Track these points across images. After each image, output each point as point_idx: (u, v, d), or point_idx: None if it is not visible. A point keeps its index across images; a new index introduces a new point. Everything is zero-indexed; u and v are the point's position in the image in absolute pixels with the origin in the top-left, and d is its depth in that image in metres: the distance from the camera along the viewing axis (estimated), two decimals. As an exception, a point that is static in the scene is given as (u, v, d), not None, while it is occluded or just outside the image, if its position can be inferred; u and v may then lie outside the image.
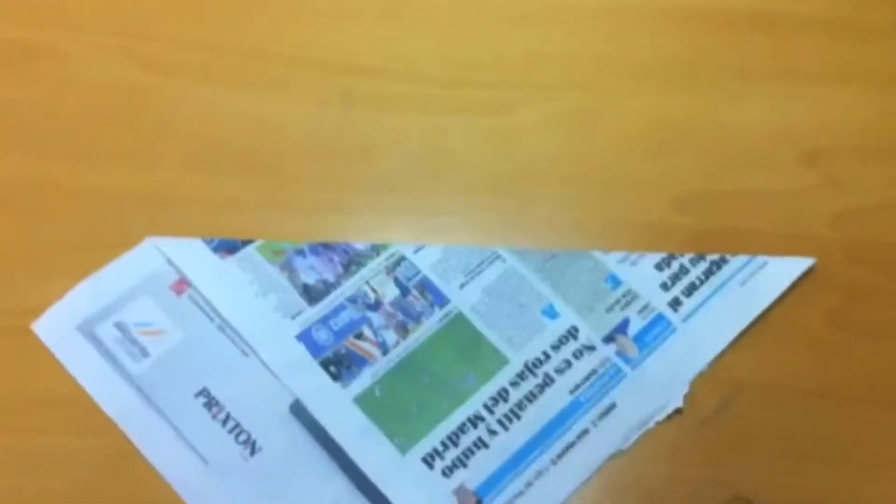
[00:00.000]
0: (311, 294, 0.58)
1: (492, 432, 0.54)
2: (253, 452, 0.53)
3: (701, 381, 0.56)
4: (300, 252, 0.59)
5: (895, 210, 0.62)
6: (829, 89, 0.67)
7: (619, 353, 0.56)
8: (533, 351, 0.56)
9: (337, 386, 0.55)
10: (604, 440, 0.54)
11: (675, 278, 0.59)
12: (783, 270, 0.59)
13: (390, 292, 0.58)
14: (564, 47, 0.68)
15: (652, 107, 0.66)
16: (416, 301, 0.58)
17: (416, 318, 0.57)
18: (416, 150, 0.64)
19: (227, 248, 0.59)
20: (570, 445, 0.54)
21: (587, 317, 0.58)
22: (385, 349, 0.56)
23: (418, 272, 0.59)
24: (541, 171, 0.63)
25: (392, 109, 0.65)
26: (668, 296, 0.58)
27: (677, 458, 0.54)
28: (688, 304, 0.58)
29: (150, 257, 0.59)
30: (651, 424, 0.54)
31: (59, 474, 0.53)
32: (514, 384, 0.55)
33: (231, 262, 0.59)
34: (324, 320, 0.57)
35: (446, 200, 0.62)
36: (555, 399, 0.55)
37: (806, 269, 0.59)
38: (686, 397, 0.55)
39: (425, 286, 0.58)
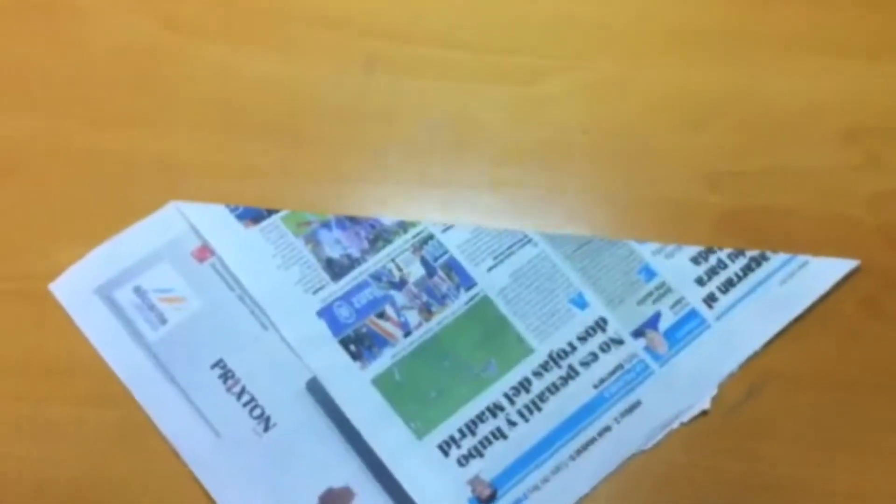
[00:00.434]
0: (335, 269, 0.56)
1: (511, 423, 0.53)
2: (266, 428, 0.52)
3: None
4: (326, 224, 0.58)
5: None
6: (871, 64, 0.63)
7: (648, 349, 0.54)
8: (559, 341, 0.55)
9: (356, 366, 0.54)
10: (626, 438, 0.52)
11: (712, 273, 0.56)
12: (825, 271, 0.56)
13: (416, 271, 0.56)
14: (597, 14, 0.65)
15: (686, 78, 0.63)
16: (442, 282, 0.56)
17: (441, 300, 0.55)
18: (440, 118, 0.62)
19: (252, 216, 0.58)
20: (591, 441, 0.52)
21: (617, 308, 0.55)
22: (407, 330, 0.55)
23: (446, 252, 0.57)
24: (569, 143, 0.61)
25: (416, 75, 0.63)
26: (704, 291, 0.56)
27: (701, 446, 0.52)
28: (723, 300, 0.56)
29: (172, 222, 0.58)
30: (675, 425, 0.53)
31: (70, 444, 0.52)
32: (537, 374, 0.54)
33: (255, 231, 0.57)
34: (346, 297, 0.55)
35: (471, 173, 0.60)
36: (578, 393, 0.53)
37: (849, 271, 0.56)
38: (713, 399, 0.53)
39: (452, 267, 0.56)
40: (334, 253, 0.57)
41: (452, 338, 0.55)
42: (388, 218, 0.58)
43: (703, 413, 0.53)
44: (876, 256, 0.57)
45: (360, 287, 0.56)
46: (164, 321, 0.55)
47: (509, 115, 0.62)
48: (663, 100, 0.62)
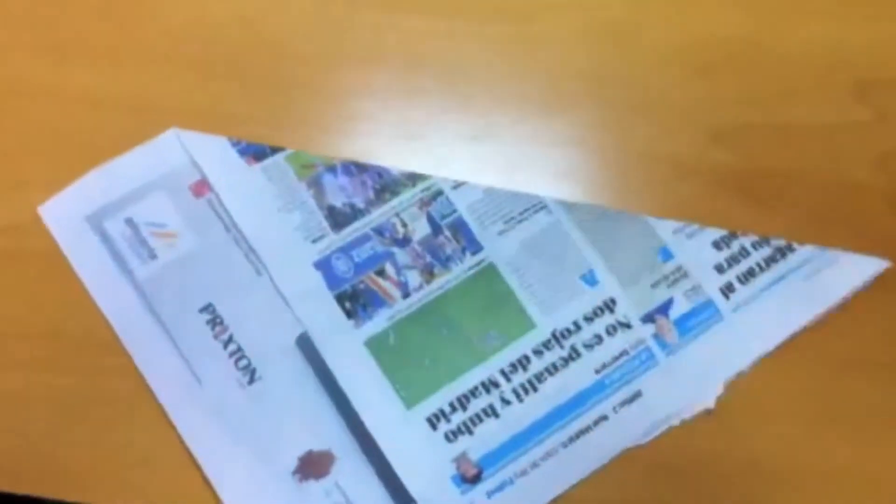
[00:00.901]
0: (337, 218, 0.53)
1: (505, 401, 0.50)
2: (251, 381, 0.50)
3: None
4: (331, 169, 0.54)
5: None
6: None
7: (656, 336, 0.52)
8: (563, 319, 0.52)
9: (350, 324, 0.51)
10: (622, 430, 0.50)
11: (733, 261, 0.53)
12: (853, 270, 0.53)
13: (421, 229, 0.53)
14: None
15: (695, 22, 0.58)
16: (448, 243, 0.53)
17: (445, 263, 0.53)
18: (421, 59, 0.57)
19: (254, 152, 0.55)
20: (586, 430, 0.50)
21: (629, 289, 0.53)
22: (406, 292, 0.52)
23: (454, 211, 0.54)
24: (564, 91, 0.57)
25: (400, 9, 0.58)
26: (722, 280, 0.53)
27: (696, 432, 0.50)
28: (742, 291, 0.53)
29: (171, 151, 0.55)
30: (676, 422, 0.50)
31: (33, 411, 0.50)
32: (537, 353, 0.51)
33: (256, 169, 0.54)
34: (346, 249, 0.53)
35: (457, 123, 0.56)
36: (578, 376, 0.51)
37: (878, 272, 0.52)
38: (718, 399, 0.50)
39: (459, 228, 0.53)
40: (337, 201, 0.54)
41: (453, 304, 0.52)
42: (398, 168, 0.54)
43: (707, 412, 0.50)
44: (882, 221, 0.54)
45: (360, 240, 0.53)
46: (154, 257, 0.52)
47: (495, 58, 0.57)
48: (670, 46, 0.57)
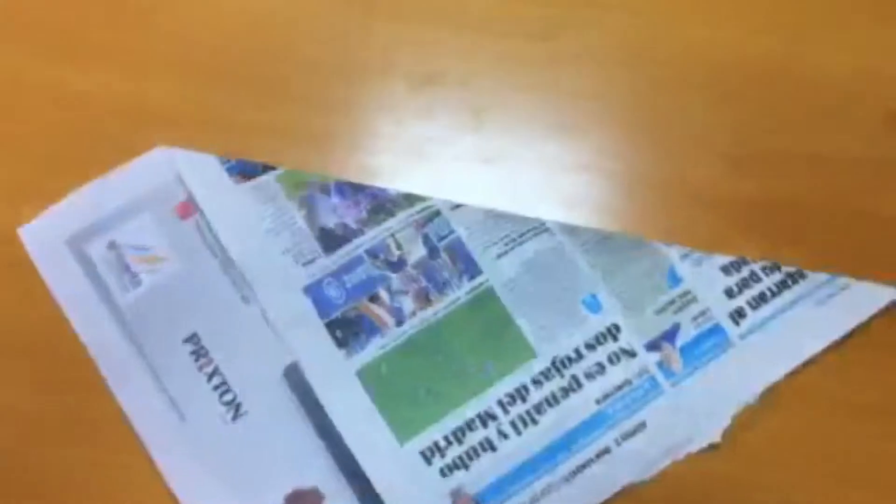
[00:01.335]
0: (328, 240, 0.51)
1: (502, 434, 0.48)
2: (236, 416, 0.48)
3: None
4: (324, 189, 0.52)
5: None
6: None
7: (661, 365, 0.49)
8: (564, 347, 0.50)
9: (340, 354, 0.49)
10: (625, 464, 0.48)
11: (744, 285, 0.51)
12: (867, 297, 0.50)
13: (416, 251, 0.51)
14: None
15: (717, 43, 0.55)
16: (444, 266, 0.51)
17: (441, 288, 0.50)
18: (436, 74, 0.55)
19: (244, 171, 0.52)
20: (587, 464, 0.48)
21: (633, 316, 0.50)
22: (400, 319, 0.50)
23: (452, 232, 0.51)
24: (580, 112, 0.54)
25: (417, 20, 0.55)
26: (732, 304, 0.50)
27: (700, 469, 0.48)
28: (752, 317, 0.50)
29: (157, 169, 0.53)
30: (680, 456, 0.48)
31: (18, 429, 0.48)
32: (536, 383, 0.49)
33: (245, 188, 0.52)
34: (337, 274, 0.50)
35: (471, 143, 0.54)
36: (579, 407, 0.49)
37: (892, 300, 0.50)
38: (726, 433, 0.48)
39: (457, 250, 0.51)
40: (329, 222, 0.51)
41: (449, 332, 0.50)
42: (395, 189, 0.52)
43: (712, 447, 0.48)
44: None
45: (353, 263, 0.51)
46: (137, 284, 0.50)
47: (518, 75, 0.55)
48: (690, 68, 0.54)
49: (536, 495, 0.48)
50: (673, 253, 0.51)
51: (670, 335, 0.50)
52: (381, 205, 0.52)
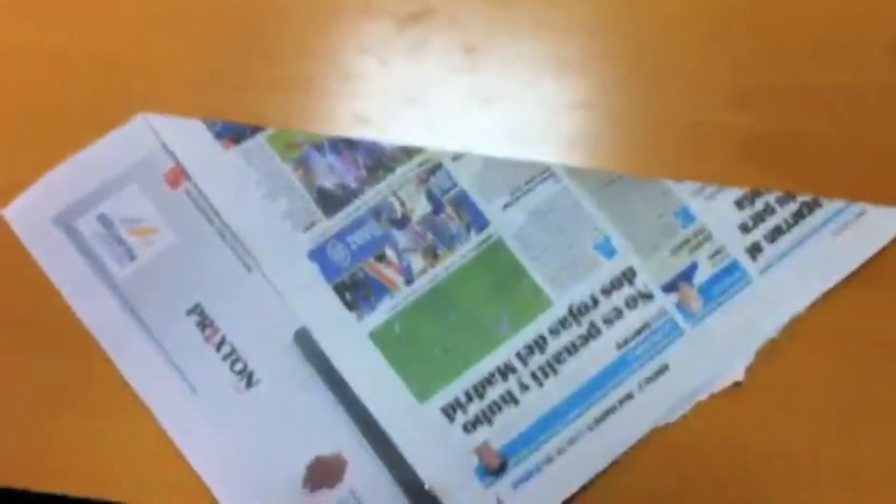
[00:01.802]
0: (328, 202, 0.49)
1: (523, 387, 0.47)
2: (249, 385, 0.46)
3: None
4: (318, 148, 0.50)
5: None
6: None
7: (680, 306, 0.48)
8: (580, 294, 0.48)
9: (351, 317, 0.47)
10: (649, 409, 0.47)
11: (758, 219, 0.49)
12: (885, 222, 0.49)
13: (421, 207, 0.49)
14: None
15: None
16: (450, 220, 0.49)
17: (449, 243, 0.49)
18: (425, 11, 0.52)
19: (232, 134, 0.50)
20: (611, 411, 0.47)
21: (648, 257, 0.49)
22: (409, 277, 0.48)
23: (455, 185, 0.50)
24: (577, 50, 0.52)
25: None
26: (748, 240, 0.49)
27: (722, 415, 0.47)
28: (769, 251, 0.49)
29: (141, 138, 0.50)
30: (704, 396, 0.47)
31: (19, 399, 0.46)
32: (553, 332, 0.48)
33: (236, 152, 0.50)
34: (341, 235, 0.49)
35: (461, 88, 0.52)
36: (599, 354, 0.48)
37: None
38: (749, 371, 0.47)
39: (462, 203, 0.49)
40: (327, 182, 0.49)
41: (461, 287, 0.48)
42: (391, 142, 0.50)
43: (736, 385, 0.47)
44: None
45: (356, 224, 0.49)
46: (132, 257, 0.48)
47: (512, 11, 0.53)
48: (689, 2, 0.53)
49: (563, 446, 0.47)
50: (684, 190, 0.50)
51: (687, 275, 0.49)
52: (380, 161, 0.50)
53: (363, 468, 0.45)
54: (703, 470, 0.46)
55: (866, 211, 0.49)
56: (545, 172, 0.50)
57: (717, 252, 0.49)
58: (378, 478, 0.45)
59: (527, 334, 0.48)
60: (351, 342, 0.47)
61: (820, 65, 0.52)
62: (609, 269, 0.49)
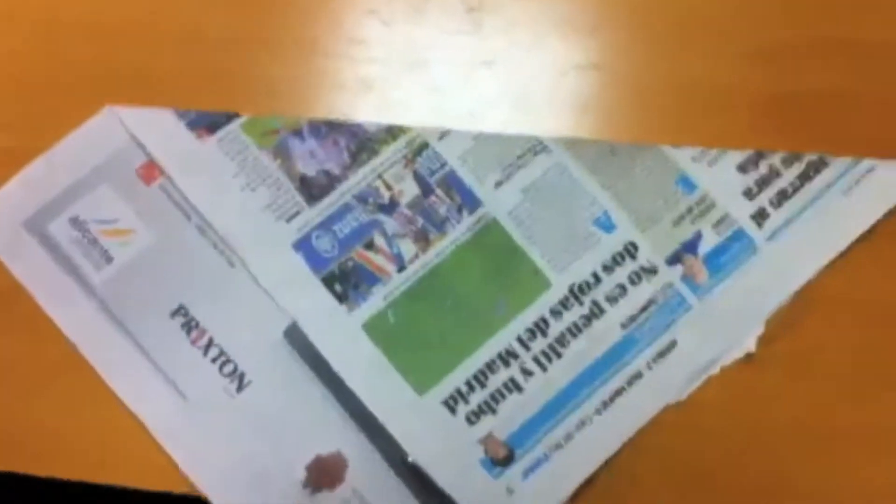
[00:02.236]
0: (311, 189, 0.47)
1: (526, 373, 0.45)
2: (240, 387, 0.44)
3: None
4: (297, 133, 0.47)
5: None
6: None
7: (686, 278, 0.46)
8: (580, 272, 0.46)
9: (342, 309, 0.45)
10: (659, 387, 0.45)
11: (763, 183, 0.47)
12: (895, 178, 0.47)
13: (409, 190, 0.47)
14: None
15: None
16: (441, 202, 0.47)
17: (440, 226, 0.46)
18: None
19: (206, 123, 0.47)
20: (620, 392, 0.45)
21: (650, 230, 0.47)
22: (401, 264, 0.46)
23: (444, 164, 0.47)
24: (579, 5, 0.50)
25: None
26: (753, 206, 0.47)
27: (736, 389, 0.45)
28: (776, 217, 0.47)
29: (108, 133, 0.48)
30: (715, 370, 0.45)
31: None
32: (555, 314, 0.46)
33: (211, 143, 0.47)
34: (326, 224, 0.46)
35: (475, 44, 0.50)
36: (604, 334, 0.45)
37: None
38: (760, 341, 0.45)
39: (452, 183, 0.47)
40: (309, 169, 0.47)
41: (455, 272, 0.46)
42: (372, 122, 0.48)
43: (748, 356, 0.45)
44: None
45: (342, 211, 0.46)
46: (109, 260, 0.46)
47: None
48: None
49: (571, 431, 0.45)
50: (683, 156, 0.47)
51: (691, 245, 0.47)
52: (363, 143, 0.47)
53: (364, 466, 0.44)
54: (717, 448, 0.45)
55: (876, 167, 0.47)
56: (537, 146, 0.47)
57: (722, 220, 0.47)
58: (381, 475, 0.44)
59: (527, 317, 0.46)
60: (343, 335, 0.45)
61: (831, 23, 0.50)
62: (609, 245, 0.47)
